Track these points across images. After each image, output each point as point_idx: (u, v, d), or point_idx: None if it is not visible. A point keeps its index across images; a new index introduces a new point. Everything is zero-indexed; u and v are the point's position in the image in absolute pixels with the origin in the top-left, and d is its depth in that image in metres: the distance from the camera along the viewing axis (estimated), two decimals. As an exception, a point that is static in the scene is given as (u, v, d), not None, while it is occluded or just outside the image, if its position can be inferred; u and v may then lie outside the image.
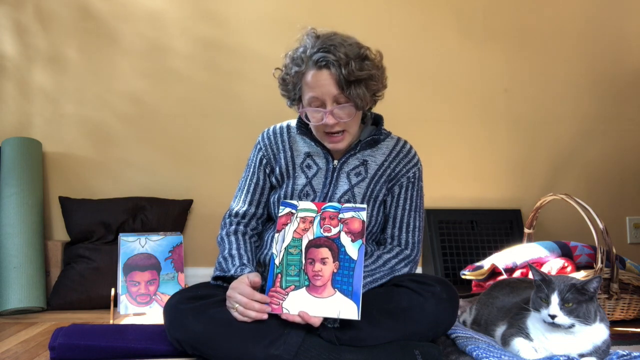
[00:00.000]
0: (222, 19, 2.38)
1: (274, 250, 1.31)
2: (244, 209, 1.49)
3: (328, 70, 1.31)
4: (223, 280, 1.37)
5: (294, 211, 1.34)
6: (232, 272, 1.34)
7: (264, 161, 1.50)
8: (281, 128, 1.52)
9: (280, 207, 1.36)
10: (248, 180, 1.52)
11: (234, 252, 1.40)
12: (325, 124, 1.34)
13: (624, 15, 2.59)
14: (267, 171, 1.50)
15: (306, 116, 1.38)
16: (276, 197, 1.46)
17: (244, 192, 1.51)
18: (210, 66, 2.37)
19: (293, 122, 1.51)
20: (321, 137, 1.41)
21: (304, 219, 1.33)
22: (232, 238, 1.44)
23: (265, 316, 1.23)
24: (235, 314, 1.23)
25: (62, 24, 2.31)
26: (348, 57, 1.31)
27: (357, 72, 1.31)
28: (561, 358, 1.18)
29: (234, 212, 1.50)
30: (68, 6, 2.31)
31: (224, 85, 2.37)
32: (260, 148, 1.51)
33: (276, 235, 1.32)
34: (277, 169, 1.48)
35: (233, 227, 1.48)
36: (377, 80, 1.38)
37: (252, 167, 1.52)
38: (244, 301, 1.23)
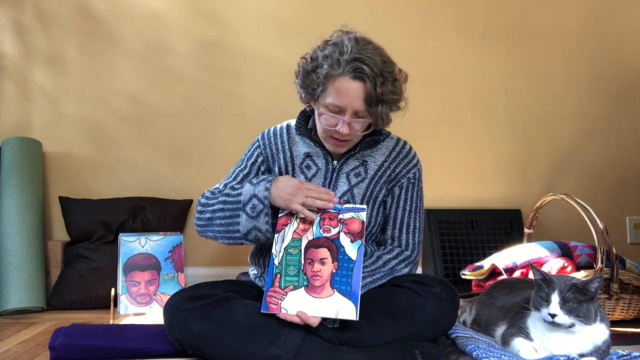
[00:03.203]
0: (222, 19, 2.38)
1: (273, 251, 1.30)
2: (226, 182, 1.47)
3: (362, 84, 1.28)
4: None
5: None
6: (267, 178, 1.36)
7: (260, 159, 1.50)
8: (281, 129, 1.52)
9: (280, 208, 1.36)
10: (238, 170, 1.50)
11: (238, 185, 1.40)
12: (339, 131, 1.33)
13: (624, 15, 2.59)
14: (262, 169, 1.49)
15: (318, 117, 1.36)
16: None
17: (231, 179, 1.49)
18: (210, 66, 2.37)
19: (292, 122, 1.50)
20: (325, 138, 1.39)
21: (303, 220, 1.33)
22: (221, 190, 1.42)
23: (332, 205, 1.31)
24: (300, 209, 1.29)
25: (62, 24, 2.31)
26: (384, 75, 1.28)
27: (389, 94, 1.29)
28: (561, 358, 1.18)
29: (214, 186, 1.48)
30: (68, 6, 2.31)
31: (224, 85, 2.37)
32: (259, 146, 1.51)
33: (276, 235, 1.32)
34: (276, 170, 1.47)
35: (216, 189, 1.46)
36: (399, 103, 1.37)
37: (245, 160, 1.51)
38: (314, 188, 1.32)
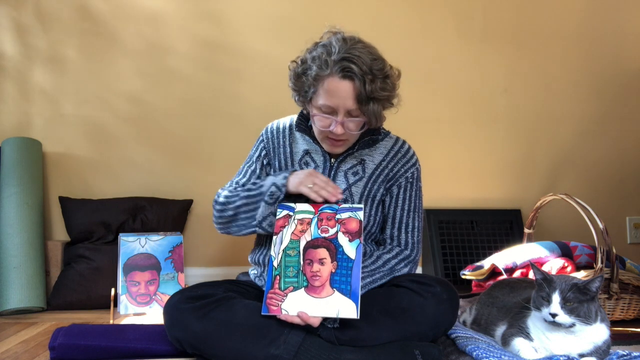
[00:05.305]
0: (222, 19, 2.38)
1: (272, 253, 1.30)
2: (238, 180, 1.51)
3: (351, 83, 1.28)
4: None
5: (291, 213, 1.35)
6: (286, 172, 1.40)
7: (264, 152, 1.52)
8: (284, 125, 1.53)
9: (278, 210, 1.36)
10: (246, 167, 1.54)
11: (257, 180, 1.45)
12: (333, 131, 1.33)
13: (624, 15, 2.59)
14: (264, 162, 1.51)
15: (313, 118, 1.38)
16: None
17: (241, 175, 1.52)
18: (210, 66, 2.37)
19: (295, 118, 1.51)
20: (321, 139, 1.41)
21: (301, 221, 1.33)
22: (236, 188, 1.46)
23: (334, 199, 1.32)
24: (307, 191, 1.32)
25: (62, 24, 2.31)
26: (373, 73, 1.28)
27: (380, 91, 1.29)
28: (561, 358, 1.18)
29: (227, 184, 1.52)
30: (68, 6, 2.31)
31: (224, 85, 2.37)
32: (262, 140, 1.53)
33: (274, 237, 1.32)
34: (276, 164, 1.49)
35: (232, 187, 1.49)
36: (392, 100, 1.37)
37: (252, 157, 1.54)
38: (324, 179, 1.33)
